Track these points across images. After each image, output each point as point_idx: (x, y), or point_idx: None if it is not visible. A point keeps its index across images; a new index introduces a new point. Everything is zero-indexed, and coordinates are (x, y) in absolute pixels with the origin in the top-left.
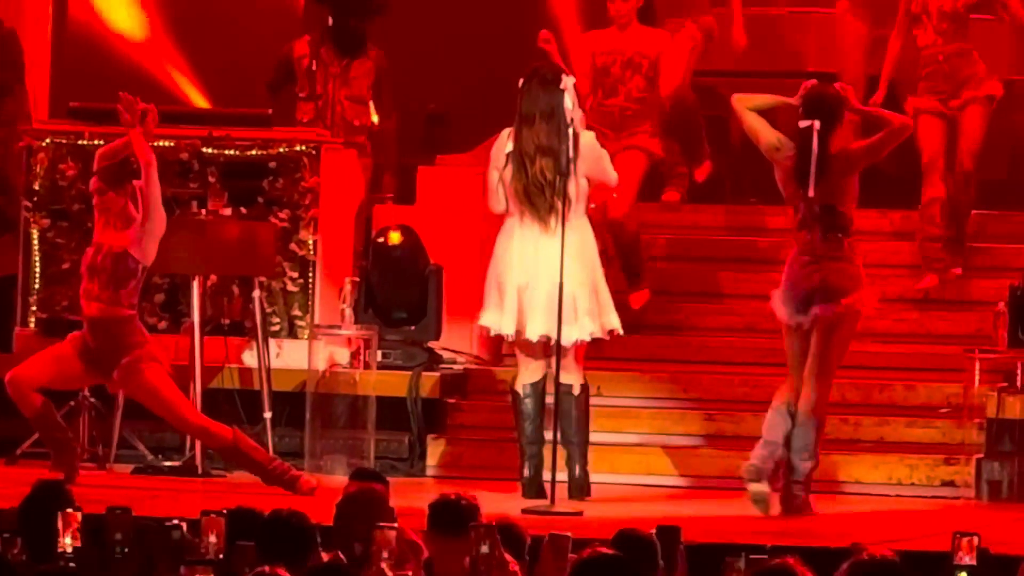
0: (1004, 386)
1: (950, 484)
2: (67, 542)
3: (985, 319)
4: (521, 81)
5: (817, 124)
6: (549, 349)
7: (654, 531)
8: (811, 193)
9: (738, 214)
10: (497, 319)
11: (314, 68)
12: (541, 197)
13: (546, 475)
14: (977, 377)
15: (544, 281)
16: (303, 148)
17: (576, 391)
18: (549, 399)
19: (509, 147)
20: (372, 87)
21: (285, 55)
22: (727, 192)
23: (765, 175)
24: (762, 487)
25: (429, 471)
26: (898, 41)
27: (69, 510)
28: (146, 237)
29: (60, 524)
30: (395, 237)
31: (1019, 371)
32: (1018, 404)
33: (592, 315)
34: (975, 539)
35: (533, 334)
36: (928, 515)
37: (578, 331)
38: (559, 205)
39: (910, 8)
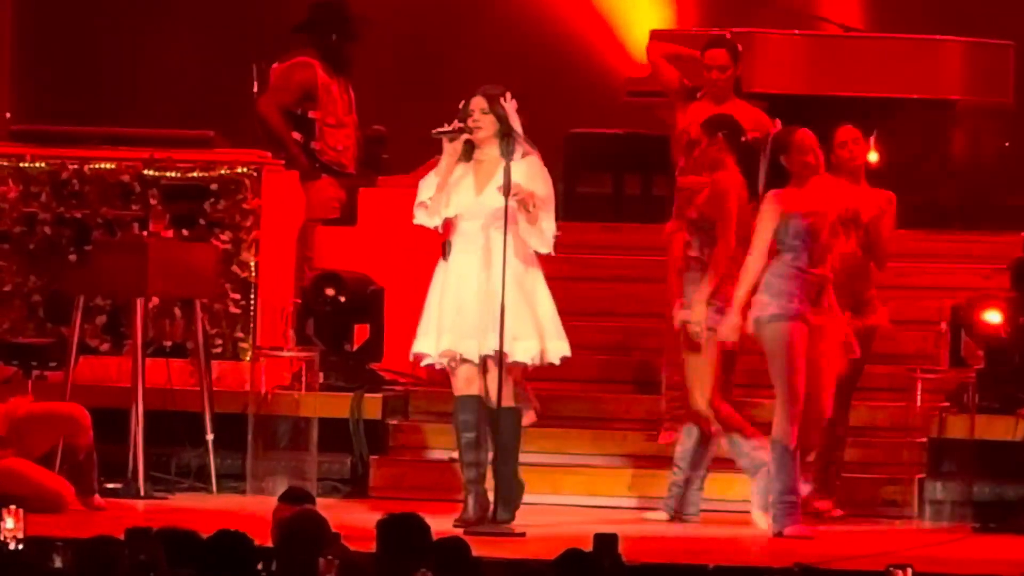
0: (946, 406)
1: (892, 504)
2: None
3: (927, 338)
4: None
5: None
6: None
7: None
8: None
9: (621, 232)
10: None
11: (334, 95)
12: None
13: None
14: (919, 397)
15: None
16: (244, 170)
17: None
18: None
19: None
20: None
21: (306, 78)
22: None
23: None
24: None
25: (371, 492)
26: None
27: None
28: None
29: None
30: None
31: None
32: (960, 424)
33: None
34: (909, 571)
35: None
36: (870, 535)
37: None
38: None
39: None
